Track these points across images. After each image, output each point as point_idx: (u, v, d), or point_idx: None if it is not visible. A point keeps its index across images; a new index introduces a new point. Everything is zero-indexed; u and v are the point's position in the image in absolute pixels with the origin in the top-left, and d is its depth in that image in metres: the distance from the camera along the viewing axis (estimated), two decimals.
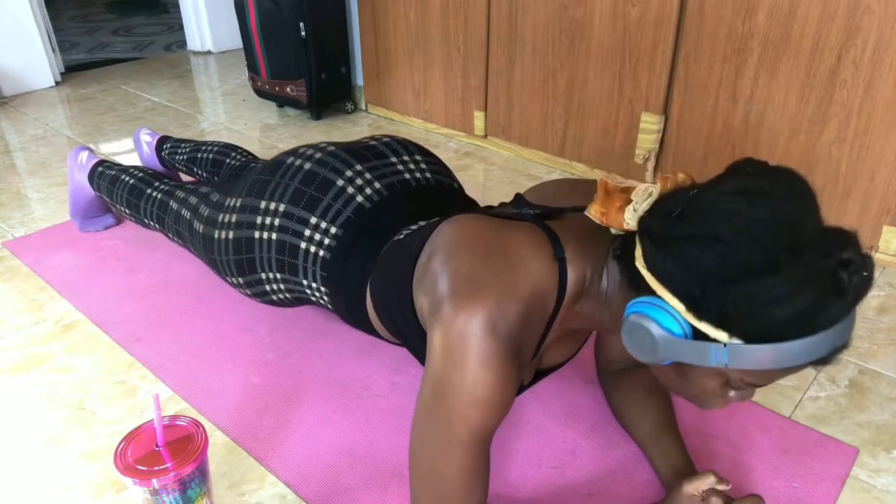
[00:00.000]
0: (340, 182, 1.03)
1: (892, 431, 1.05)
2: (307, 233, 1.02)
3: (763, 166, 0.67)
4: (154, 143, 1.68)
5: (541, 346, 0.79)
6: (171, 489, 0.77)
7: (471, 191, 1.87)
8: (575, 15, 1.79)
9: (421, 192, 1.07)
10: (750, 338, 0.61)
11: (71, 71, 3.01)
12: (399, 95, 2.38)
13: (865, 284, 0.60)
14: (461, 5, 2.03)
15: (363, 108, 2.53)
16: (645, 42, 1.69)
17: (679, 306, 0.64)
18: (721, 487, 0.82)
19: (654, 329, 0.65)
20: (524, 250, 0.76)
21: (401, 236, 0.95)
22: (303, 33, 2.22)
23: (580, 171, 1.96)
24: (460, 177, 1.96)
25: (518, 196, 0.92)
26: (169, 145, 1.66)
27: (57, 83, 2.81)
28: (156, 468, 0.77)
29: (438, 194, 1.08)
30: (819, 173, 1.52)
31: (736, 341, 0.62)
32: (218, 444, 1.03)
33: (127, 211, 1.43)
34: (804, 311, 0.59)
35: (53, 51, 2.83)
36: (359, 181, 1.03)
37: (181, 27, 3.46)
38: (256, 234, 1.06)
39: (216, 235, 1.12)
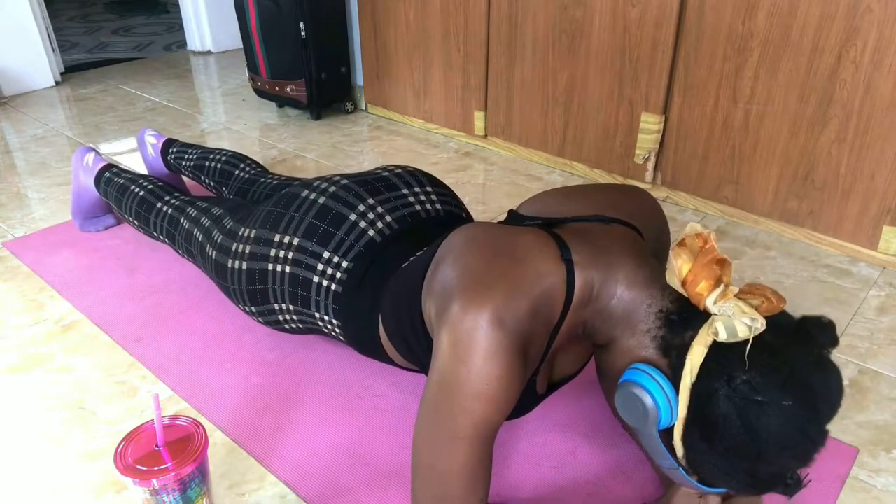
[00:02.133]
0: (353, 217, 1.04)
1: (892, 431, 1.05)
2: (320, 267, 1.03)
3: (826, 359, 0.67)
4: (160, 145, 1.68)
5: (549, 348, 0.79)
6: (171, 489, 0.77)
7: (471, 191, 1.88)
8: (575, 15, 1.79)
9: (431, 224, 1.08)
10: (697, 477, 0.72)
11: (71, 71, 3.00)
12: (399, 95, 2.38)
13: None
14: (461, 5, 2.03)
15: (363, 107, 2.53)
16: (645, 42, 1.69)
17: (682, 415, 0.68)
18: None
19: (652, 418, 0.69)
20: (531, 250, 0.76)
21: (407, 263, 0.96)
22: (303, 33, 2.22)
23: (580, 170, 1.96)
24: (460, 177, 1.97)
25: (512, 211, 0.92)
26: (175, 149, 1.65)
27: (57, 83, 2.81)
28: (156, 468, 0.77)
29: (447, 225, 1.09)
30: (819, 173, 1.52)
31: (684, 468, 0.71)
32: (218, 444, 1.03)
33: (136, 222, 1.43)
34: (746, 491, 0.71)
35: (53, 51, 2.83)
36: (371, 215, 1.05)
37: (181, 27, 3.46)
38: (270, 267, 1.07)
39: (229, 265, 1.13)
